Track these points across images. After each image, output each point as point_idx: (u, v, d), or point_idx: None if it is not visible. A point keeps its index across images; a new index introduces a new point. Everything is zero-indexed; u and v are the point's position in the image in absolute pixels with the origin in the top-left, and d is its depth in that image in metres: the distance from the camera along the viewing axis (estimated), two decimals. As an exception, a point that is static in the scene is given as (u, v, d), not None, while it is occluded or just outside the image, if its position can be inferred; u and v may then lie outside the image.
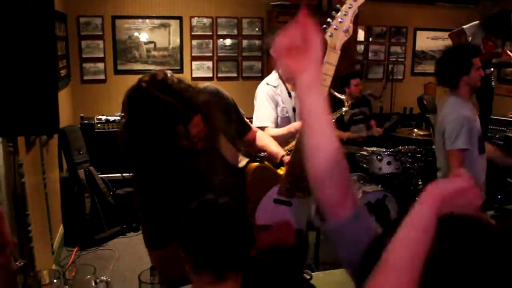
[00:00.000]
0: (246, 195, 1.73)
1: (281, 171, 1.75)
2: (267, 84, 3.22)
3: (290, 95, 3.20)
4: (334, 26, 1.56)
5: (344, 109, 3.33)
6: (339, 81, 4.95)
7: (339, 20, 1.56)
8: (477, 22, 4.99)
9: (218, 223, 1.22)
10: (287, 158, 1.86)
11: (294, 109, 3.17)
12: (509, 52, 4.81)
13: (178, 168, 1.49)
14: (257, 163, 1.71)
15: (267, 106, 3.12)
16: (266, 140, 2.06)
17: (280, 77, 3.22)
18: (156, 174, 1.50)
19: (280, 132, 2.85)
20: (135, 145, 1.44)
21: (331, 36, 1.57)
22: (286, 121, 3.17)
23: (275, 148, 2.02)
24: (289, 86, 3.22)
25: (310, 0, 5.34)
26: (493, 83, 5.21)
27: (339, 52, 1.60)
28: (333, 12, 1.58)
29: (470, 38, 5.06)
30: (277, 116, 3.14)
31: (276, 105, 3.17)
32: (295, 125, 1.82)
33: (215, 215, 1.23)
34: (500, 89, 6.23)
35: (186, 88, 1.43)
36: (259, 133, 2.05)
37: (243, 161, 1.77)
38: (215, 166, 1.65)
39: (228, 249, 1.21)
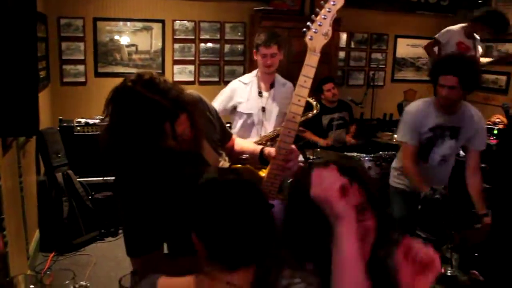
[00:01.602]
0: None
1: (263, 173, 1.74)
2: (239, 81, 3.45)
3: (260, 94, 3.34)
4: (314, 30, 1.61)
5: (310, 114, 3.35)
6: (319, 83, 4.98)
7: (319, 23, 1.62)
8: (457, 26, 5.07)
9: (239, 209, 1.13)
10: (267, 149, 1.87)
11: (263, 109, 3.31)
12: None
13: (163, 170, 1.47)
14: (239, 166, 1.70)
15: (219, 97, 3.39)
16: (241, 142, 2.10)
17: (258, 77, 3.38)
18: (140, 177, 1.47)
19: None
20: (120, 146, 1.40)
21: (311, 39, 1.63)
22: (248, 117, 3.35)
23: (252, 146, 2.05)
24: (263, 87, 3.37)
25: (292, 6, 5.38)
26: None
27: (319, 54, 1.64)
28: (313, 15, 1.64)
29: (443, 44, 5.17)
30: (228, 109, 3.37)
31: (232, 100, 3.37)
32: (256, 149, 1.83)
33: (236, 199, 1.14)
34: (478, 97, 6.35)
35: (171, 87, 1.43)
36: (236, 139, 2.08)
37: (224, 165, 1.76)
38: (198, 170, 1.63)
39: (249, 241, 1.13)
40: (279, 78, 3.46)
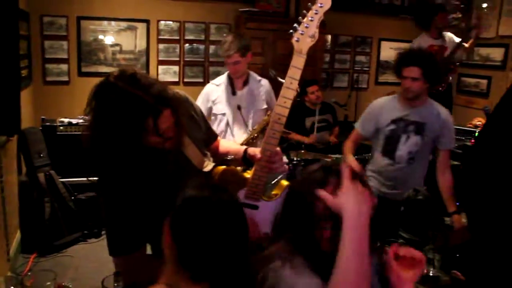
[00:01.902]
0: None
1: (248, 174, 1.74)
2: (211, 83, 3.50)
3: (234, 93, 3.38)
4: (301, 31, 1.62)
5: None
6: (302, 85, 5.01)
7: (305, 25, 1.62)
8: (420, 35, 5.21)
9: (217, 229, 1.13)
10: (250, 150, 1.87)
11: (239, 107, 3.32)
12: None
13: (146, 169, 1.46)
14: (223, 167, 1.70)
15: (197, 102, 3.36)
16: (226, 144, 2.10)
17: (229, 77, 3.41)
18: (123, 175, 1.46)
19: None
20: (102, 144, 1.39)
21: (297, 41, 1.63)
22: (222, 118, 3.39)
23: (236, 147, 2.05)
24: (236, 86, 3.40)
25: (277, 8, 5.40)
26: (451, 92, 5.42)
27: (305, 56, 1.64)
28: (300, 17, 1.64)
29: None
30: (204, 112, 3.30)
31: (209, 102, 3.41)
32: (241, 150, 1.84)
33: (213, 218, 1.14)
34: (459, 100, 6.45)
35: (154, 82, 1.42)
36: (221, 141, 2.08)
37: (208, 166, 1.76)
38: (182, 170, 1.63)
39: (223, 258, 1.13)
40: (253, 76, 3.48)
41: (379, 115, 3.03)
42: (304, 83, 4.88)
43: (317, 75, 5.62)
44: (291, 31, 1.64)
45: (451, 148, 3.05)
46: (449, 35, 5.18)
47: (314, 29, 1.63)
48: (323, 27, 5.32)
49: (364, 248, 1.12)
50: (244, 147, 1.95)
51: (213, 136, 1.97)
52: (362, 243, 1.12)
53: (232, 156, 1.88)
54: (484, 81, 6.15)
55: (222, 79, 3.46)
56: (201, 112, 1.87)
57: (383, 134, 3.01)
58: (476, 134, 5.29)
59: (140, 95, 1.36)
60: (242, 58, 3.26)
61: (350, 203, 1.15)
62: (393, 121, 2.97)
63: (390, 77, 6.66)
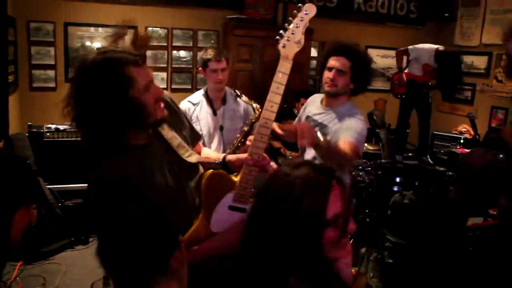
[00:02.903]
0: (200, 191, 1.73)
1: (236, 178, 1.76)
2: (188, 101, 3.22)
3: (215, 113, 3.16)
4: (287, 38, 1.67)
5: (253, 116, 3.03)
6: (294, 96, 5.08)
7: (292, 32, 1.67)
8: (429, 47, 5.27)
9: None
10: (230, 156, 1.89)
11: (221, 128, 3.14)
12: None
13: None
14: (211, 170, 1.72)
15: None
16: (206, 150, 2.15)
17: (206, 94, 3.19)
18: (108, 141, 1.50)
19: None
20: (87, 106, 1.46)
21: (284, 47, 1.67)
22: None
23: (215, 154, 2.09)
24: (215, 105, 3.18)
25: (265, 15, 5.44)
26: (430, 99, 5.52)
27: (291, 62, 1.69)
28: (286, 24, 1.69)
29: (410, 59, 5.40)
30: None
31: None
32: (220, 157, 1.86)
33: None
34: (444, 107, 6.55)
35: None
36: (203, 148, 2.11)
37: (192, 157, 1.75)
38: (165, 160, 1.67)
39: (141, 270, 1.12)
40: (229, 92, 3.24)
41: (305, 109, 2.81)
42: (299, 92, 4.97)
43: (304, 82, 5.67)
44: (277, 37, 1.68)
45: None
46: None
47: (300, 35, 1.67)
48: (310, 34, 5.37)
49: None
50: (223, 154, 1.96)
51: (197, 136, 1.98)
52: None
53: (220, 161, 1.89)
54: (469, 88, 6.25)
55: (200, 97, 3.21)
56: (184, 113, 1.90)
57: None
58: (461, 141, 5.38)
59: (115, 51, 1.49)
60: (227, 66, 3.14)
61: None
62: (306, 118, 2.72)
63: (377, 84, 6.73)
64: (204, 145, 3.07)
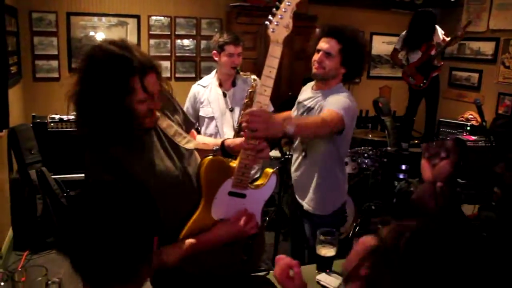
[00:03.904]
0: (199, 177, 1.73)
1: (234, 163, 1.76)
2: (198, 84, 3.30)
3: (225, 95, 3.20)
4: (276, 22, 1.70)
5: (251, 87, 3.10)
6: (302, 83, 5.03)
7: (280, 16, 1.71)
8: (402, 33, 5.30)
9: (96, 218, 1.00)
10: (229, 140, 1.91)
11: (232, 109, 3.16)
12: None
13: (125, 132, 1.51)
14: (210, 157, 1.72)
15: (185, 108, 3.23)
16: (202, 137, 2.17)
17: (216, 77, 3.24)
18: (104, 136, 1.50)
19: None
20: (87, 103, 1.46)
21: (273, 31, 1.70)
22: (210, 121, 3.20)
23: (212, 140, 2.11)
24: (225, 87, 3.22)
25: (269, 2, 5.38)
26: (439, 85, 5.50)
27: (281, 45, 1.71)
28: (273, 9, 1.73)
29: (404, 52, 5.40)
30: (193, 115, 3.21)
31: (197, 104, 3.24)
32: (218, 142, 1.86)
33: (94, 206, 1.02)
34: (451, 94, 6.49)
35: (142, 51, 1.53)
36: (197, 135, 2.10)
37: (189, 143, 1.77)
38: (163, 147, 1.68)
39: (114, 258, 1.00)
40: (242, 72, 3.20)
41: (299, 96, 2.73)
42: (306, 79, 4.91)
43: (308, 69, 5.62)
44: (266, 22, 1.71)
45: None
46: (437, 30, 5.23)
47: (288, 20, 1.70)
48: (314, 21, 5.32)
49: None
50: (221, 139, 1.97)
51: (191, 123, 1.98)
52: None
53: (217, 147, 1.89)
54: (475, 75, 6.18)
55: (210, 80, 3.28)
56: (178, 102, 1.91)
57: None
58: (468, 128, 5.33)
59: (127, 56, 1.44)
60: (242, 51, 3.16)
61: None
62: (297, 105, 2.67)
63: (382, 71, 6.68)
64: (217, 127, 3.17)
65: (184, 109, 3.21)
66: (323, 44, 2.45)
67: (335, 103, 2.36)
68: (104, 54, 1.45)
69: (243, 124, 1.70)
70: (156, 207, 1.10)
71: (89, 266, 1.02)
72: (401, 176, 4.73)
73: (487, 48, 5.98)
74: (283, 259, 1.54)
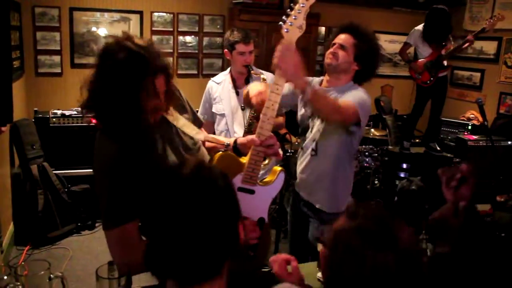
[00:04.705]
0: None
1: (244, 159, 1.78)
2: (212, 81, 3.28)
3: (237, 93, 3.14)
4: (289, 23, 1.74)
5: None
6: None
7: (293, 17, 1.75)
8: (416, 27, 5.22)
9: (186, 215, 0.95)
10: (241, 139, 1.91)
11: (243, 108, 3.09)
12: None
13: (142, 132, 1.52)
14: (221, 152, 1.74)
15: (202, 102, 3.27)
16: (212, 136, 2.13)
17: (230, 74, 3.20)
18: (120, 132, 1.51)
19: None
20: (102, 99, 1.46)
21: (287, 31, 1.75)
22: (221, 118, 3.16)
23: (224, 138, 2.07)
24: (238, 84, 3.17)
25: (271, 0, 5.38)
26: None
27: (294, 46, 1.77)
28: (288, 10, 1.76)
29: (415, 47, 5.33)
30: (209, 110, 3.21)
31: (211, 100, 3.22)
32: (224, 141, 1.86)
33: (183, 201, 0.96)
34: (452, 93, 6.49)
35: (157, 50, 1.54)
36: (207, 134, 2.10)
37: (199, 134, 1.78)
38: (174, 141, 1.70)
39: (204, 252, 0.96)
40: (253, 71, 3.10)
41: None
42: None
43: (311, 67, 5.62)
44: (280, 23, 1.75)
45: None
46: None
47: (301, 21, 1.74)
48: (317, 19, 5.32)
49: None
50: (233, 138, 1.97)
51: (199, 122, 1.98)
52: None
53: (229, 143, 1.90)
54: (477, 74, 6.18)
55: (223, 77, 3.23)
56: (187, 100, 1.91)
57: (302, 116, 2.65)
58: (469, 127, 5.33)
59: (145, 55, 1.45)
60: (254, 49, 3.10)
61: None
62: (300, 99, 2.60)
63: (384, 70, 6.67)
64: (226, 124, 3.13)
65: (201, 103, 3.25)
66: (337, 39, 2.47)
67: (352, 96, 2.34)
68: (127, 51, 1.46)
69: (274, 59, 1.74)
70: (236, 196, 1.07)
71: (184, 264, 0.97)
72: (402, 174, 4.74)
73: (489, 47, 5.98)
74: (278, 257, 1.63)
